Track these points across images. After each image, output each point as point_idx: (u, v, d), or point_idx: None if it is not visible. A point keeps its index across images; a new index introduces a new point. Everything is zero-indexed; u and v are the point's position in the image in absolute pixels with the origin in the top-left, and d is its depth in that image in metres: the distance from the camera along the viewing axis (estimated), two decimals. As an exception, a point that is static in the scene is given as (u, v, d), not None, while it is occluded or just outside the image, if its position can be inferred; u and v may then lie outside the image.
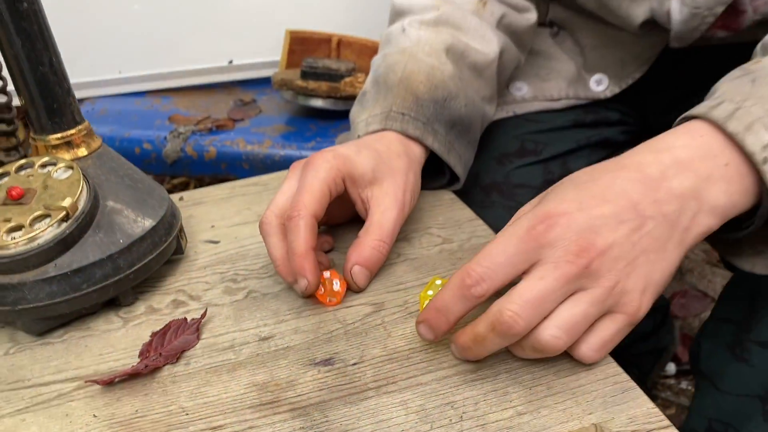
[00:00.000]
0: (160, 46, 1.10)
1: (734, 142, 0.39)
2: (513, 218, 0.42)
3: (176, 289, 0.51)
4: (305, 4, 1.08)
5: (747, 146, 0.38)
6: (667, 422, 0.36)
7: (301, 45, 1.04)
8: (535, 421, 0.37)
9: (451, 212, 0.58)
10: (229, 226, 0.59)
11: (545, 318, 0.37)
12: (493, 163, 0.68)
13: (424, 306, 0.41)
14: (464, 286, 0.37)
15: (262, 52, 1.10)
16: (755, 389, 0.50)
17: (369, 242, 0.48)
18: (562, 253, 0.36)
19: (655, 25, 0.63)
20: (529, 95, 0.73)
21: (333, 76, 0.91)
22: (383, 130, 0.55)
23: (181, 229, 0.54)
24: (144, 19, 1.10)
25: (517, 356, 0.40)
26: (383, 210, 0.49)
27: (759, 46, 0.48)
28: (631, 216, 0.37)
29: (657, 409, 0.37)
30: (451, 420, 0.37)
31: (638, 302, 0.38)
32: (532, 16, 0.69)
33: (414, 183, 0.53)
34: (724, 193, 0.39)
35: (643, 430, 0.36)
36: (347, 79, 0.90)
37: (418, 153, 0.56)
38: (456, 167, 0.58)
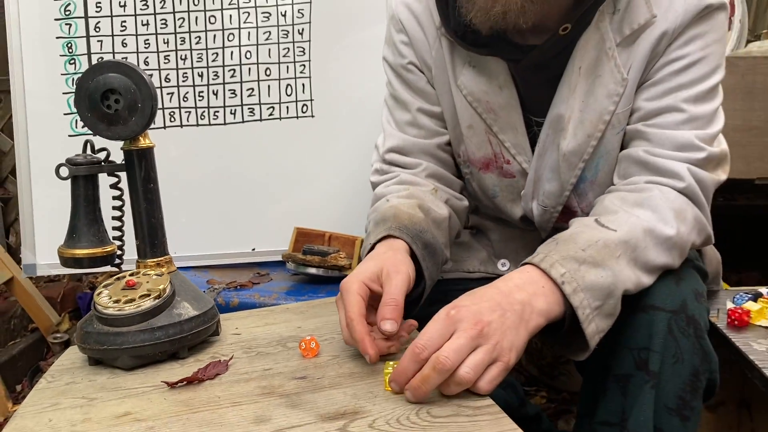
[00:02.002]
0: (202, 238, 1.43)
1: (546, 274, 0.66)
2: (435, 317, 0.62)
3: (213, 351, 0.76)
4: (308, 210, 1.43)
5: (552, 275, 0.65)
6: (489, 401, 0.60)
7: (303, 237, 1.36)
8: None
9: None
10: (247, 327, 0.85)
11: (461, 363, 0.58)
12: (425, 306, 0.94)
13: (389, 376, 0.61)
14: (415, 354, 0.59)
15: (276, 242, 1.43)
16: None
17: (386, 301, 0.68)
18: (467, 326, 0.59)
19: (530, 221, 0.94)
20: (453, 268, 1.01)
21: (323, 254, 1.22)
22: (388, 237, 0.79)
23: (219, 321, 0.81)
24: (189, 224, 1.44)
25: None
26: (392, 282, 0.70)
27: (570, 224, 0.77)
28: (498, 309, 0.62)
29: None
30: (369, 396, 0.61)
31: (509, 356, 0.60)
32: (465, 203, 0.97)
33: (409, 263, 0.75)
34: (544, 303, 0.64)
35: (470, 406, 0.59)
36: (332, 255, 1.21)
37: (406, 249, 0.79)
38: (425, 271, 0.80)
